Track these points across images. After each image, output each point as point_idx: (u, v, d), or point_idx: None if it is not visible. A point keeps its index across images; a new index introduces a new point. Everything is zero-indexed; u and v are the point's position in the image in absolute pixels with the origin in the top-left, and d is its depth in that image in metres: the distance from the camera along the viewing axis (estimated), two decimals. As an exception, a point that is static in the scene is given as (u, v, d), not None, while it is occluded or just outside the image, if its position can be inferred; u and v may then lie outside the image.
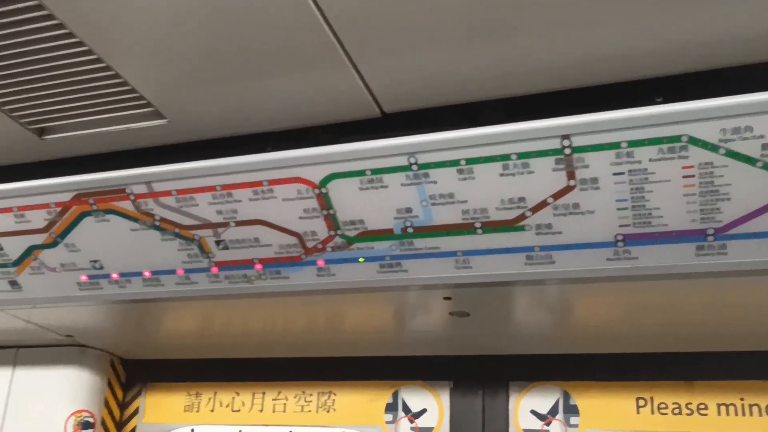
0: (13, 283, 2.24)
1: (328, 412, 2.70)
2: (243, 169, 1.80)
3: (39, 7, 1.45)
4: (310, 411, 2.72)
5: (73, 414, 2.74)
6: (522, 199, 1.66)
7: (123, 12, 1.43)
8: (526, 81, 1.60)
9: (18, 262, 2.18)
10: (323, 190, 1.77)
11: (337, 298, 2.11)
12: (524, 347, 2.50)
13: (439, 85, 1.63)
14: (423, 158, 1.66)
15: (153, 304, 2.29)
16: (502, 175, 1.63)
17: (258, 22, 1.44)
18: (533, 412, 2.48)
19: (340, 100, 1.70)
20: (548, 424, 2.46)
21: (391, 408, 2.65)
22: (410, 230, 1.78)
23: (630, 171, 1.56)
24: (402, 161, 1.67)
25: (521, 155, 1.59)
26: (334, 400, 2.71)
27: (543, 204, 1.65)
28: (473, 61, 1.54)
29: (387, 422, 2.63)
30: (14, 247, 2.14)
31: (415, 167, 1.67)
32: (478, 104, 1.70)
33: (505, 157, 1.60)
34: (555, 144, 1.56)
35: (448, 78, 1.60)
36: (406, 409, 2.62)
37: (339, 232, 1.84)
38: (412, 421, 2.60)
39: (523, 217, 1.68)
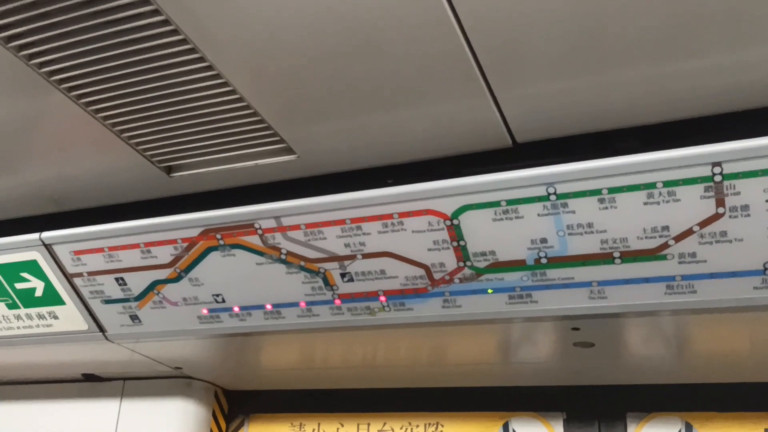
0: (134, 318, 2.30)
1: (437, 442, 2.68)
2: (374, 202, 1.81)
3: (173, 33, 1.44)
4: (417, 442, 2.71)
5: (181, 445, 2.79)
6: (666, 228, 1.63)
7: (261, 42, 1.45)
8: (663, 108, 1.58)
9: (140, 297, 2.23)
10: (455, 222, 1.77)
11: (456, 330, 2.10)
12: (643, 377, 2.44)
13: (572, 114, 1.63)
14: (562, 188, 1.64)
15: (265, 337, 2.31)
16: (645, 203, 1.61)
17: (399, 51, 1.45)
18: (653, 444, 2.42)
19: (472, 130, 1.70)
20: (669, 457, 2.40)
21: (501, 439, 2.62)
22: (544, 261, 1.76)
23: (784, 197, 1.52)
24: (540, 191, 1.66)
25: (668, 183, 1.57)
26: (442, 430, 2.69)
27: (688, 232, 1.62)
28: (609, 89, 1.53)
29: (498, 454, 2.60)
30: (138, 283, 2.19)
31: (553, 197, 1.66)
32: (611, 132, 1.69)
33: (650, 186, 1.58)
34: (705, 171, 1.53)
35: (583, 106, 1.59)
36: (518, 441, 2.58)
37: (468, 263, 1.83)
38: (513, 452, 2.56)
39: (665, 245, 1.65)
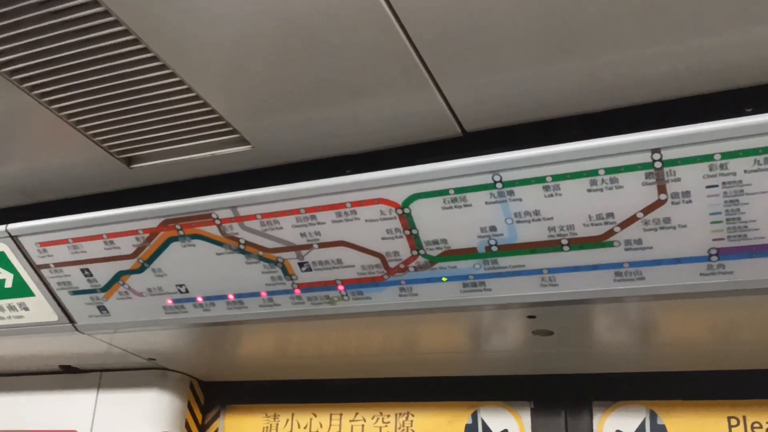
0: (102, 308, 2.33)
1: (407, 433, 2.71)
2: (327, 191, 1.84)
3: (126, 33, 1.50)
4: (388, 432, 2.74)
5: (156, 436, 2.82)
6: (610, 215, 1.65)
7: (210, 39, 1.49)
8: (607, 96, 1.60)
9: (106, 288, 2.27)
10: (406, 211, 1.80)
11: (418, 318, 2.12)
12: (608, 366, 2.46)
13: (519, 103, 1.64)
14: (508, 176, 1.67)
15: (232, 327, 2.34)
16: (589, 190, 1.62)
17: (342, 47, 1.48)
18: (618, 432, 2.44)
19: (421, 120, 1.73)
20: (635, 445, 2.42)
21: (470, 429, 2.63)
22: (494, 248, 1.79)
23: (724, 183, 1.53)
24: (486, 179, 1.68)
25: (609, 170, 1.59)
26: (412, 421, 2.72)
27: (632, 219, 1.64)
28: (555, 78, 1.54)
29: (467, 443, 2.63)
30: (103, 273, 2.23)
31: (499, 185, 1.68)
32: (558, 120, 1.70)
33: (593, 173, 1.60)
34: (645, 158, 1.55)
35: (529, 95, 1.61)
36: (486, 430, 2.60)
37: (422, 251, 1.86)
38: (493, 442, 2.58)
39: (611, 233, 1.67)
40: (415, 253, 1.87)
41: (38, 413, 3.02)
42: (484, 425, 2.62)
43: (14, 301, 2.41)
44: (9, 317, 2.47)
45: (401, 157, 1.83)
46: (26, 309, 2.42)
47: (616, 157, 1.56)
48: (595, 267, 1.74)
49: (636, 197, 1.60)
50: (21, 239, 2.22)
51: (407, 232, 1.83)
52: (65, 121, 1.82)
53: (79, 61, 1.60)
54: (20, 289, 2.36)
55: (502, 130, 1.74)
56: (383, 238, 1.87)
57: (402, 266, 1.90)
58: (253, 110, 1.74)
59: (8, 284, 2.36)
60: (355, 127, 1.77)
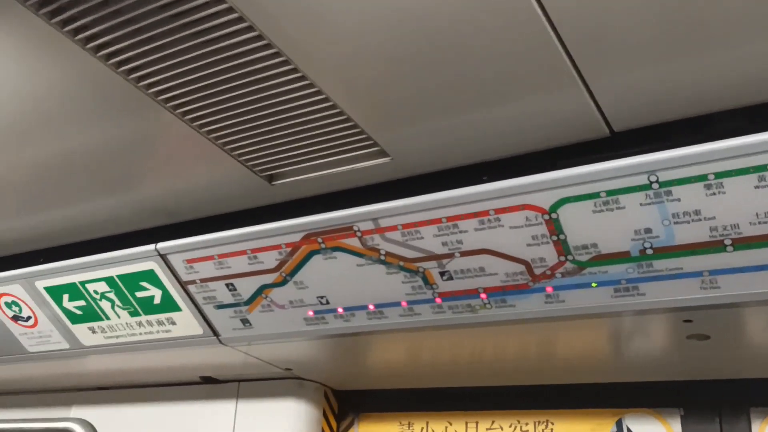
0: (245, 321, 2.42)
1: (547, 441, 2.66)
2: (469, 200, 1.83)
3: (267, 46, 1.51)
4: (527, 440, 2.69)
5: (295, 444, 2.90)
6: (781, 212, 1.55)
7: (349, 48, 1.49)
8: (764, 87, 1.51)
9: (250, 301, 2.35)
10: (553, 216, 1.76)
11: (562, 325, 2.07)
12: (767, 370, 2.32)
13: (670, 99, 1.58)
14: (665, 175, 1.60)
15: (369, 336, 2.37)
16: (757, 187, 1.54)
17: (487, 49, 1.45)
18: (781, 441, 2.30)
19: (567, 122, 1.68)
20: (800, 455, 2.27)
21: (615, 437, 2.56)
22: (649, 251, 1.72)
23: None
24: (641, 180, 1.62)
25: (780, 164, 1.49)
26: (552, 429, 2.66)
27: (806, 215, 1.54)
28: (707, 71, 1.47)
29: (612, 452, 2.54)
30: (247, 287, 2.31)
31: (656, 185, 1.62)
32: (712, 116, 1.62)
33: (761, 168, 1.51)
34: (821, 150, 1.45)
35: (680, 90, 1.54)
36: (633, 438, 2.52)
37: (570, 257, 1.81)
38: (641, 451, 2.49)
39: (782, 230, 1.57)
40: (562, 258, 1.82)
41: (181, 422, 3.16)
42: (630, 433, 2.54)
43: (162, 317, 2.54)
44: (158, 332, 2.60)
45: (544, 161, 1.80)
46: (173, 323, 2.54)
47: (790, 150, 1.47)
48: (761, 268, 1.64)
49: (810, 192, 1.50)
50: (169, 257, 2.34)
51: (554, 238, 1.79)
52: (207, 138, 1.88)
53: (220, 78, 1.63)
54: (168, 305, 2.48)
55: (651, 129, 1.68)
56: (528, 245, 1.84)
57: (548, 272, 1.87)
58: (393, 121, 1.75)
59: (157, 300, 2.49)
60: (497, 133, 1.75)
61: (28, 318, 2.83)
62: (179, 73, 1.65)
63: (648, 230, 1.69)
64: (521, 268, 1.89)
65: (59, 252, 2.66)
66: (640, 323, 2.04)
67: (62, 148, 2.05)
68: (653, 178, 1.61)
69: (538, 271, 1.87)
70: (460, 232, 1.89)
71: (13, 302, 2.79)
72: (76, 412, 3.46)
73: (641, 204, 1.66)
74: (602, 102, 1.61)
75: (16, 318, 2.86)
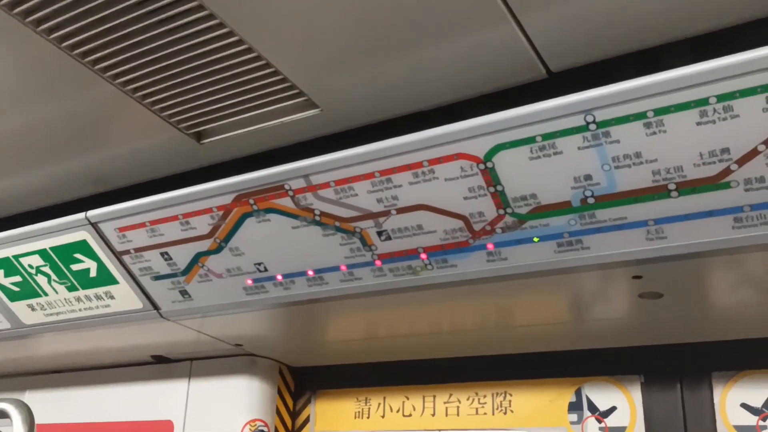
0: (184, 293, 2.30)
1: (505, 413, 2.55)
2: (401, 150, 1.71)
3: (198, 7, 1.45)
4: (485, 413, 2.58)
5: (248, 423, 2.78)
6: (725, 150, 1.44)
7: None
8: (711, 16, 1.40)
9: (186, 271, 2.22)
10: (489, 165, 1.64)
11: (509, 286, 1.96)
12: (729, 332, 2.21)
13: (607, 34, 1.46)
14: (602, 114, 1.48)
15: (316, 306, 2.25)
16: (699, 124, 1.42)
17: (408, -15, 1.36)
18: (744, 405, 2.19)
19: (501, 63, 1.57)
20: (765, 419, 2.16)
21: (574, 407, 2.44)
22: (591, 200, 1.61)
23: None
24: (577, 121, 1.51)
25: (722, 97, 1.38)
26: (510, 400, 2.55)
27: (753, 153, 1.42)
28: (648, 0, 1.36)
29: (572, 422, 2.44)
30: (182, 256, 2.19)
31: (593, 126, 1.50)
32: (654, 50, 1.51)
33: (702, 102, 1.40)
34: (766, 78, 1.33)
35: (620, 23, 1.43)
36: (593, 408, 2.41)
37: (509, 210, 1.70)
38: (600, 421, 2.38)
39: (728, 171, 1.46)
40: (501, 212, 1.71)
41: (133, 404, 3.05)
42: (590, 402, 2.43)
43: (100, 290, 2.42)
44: (97, 307, 2.47)
45: (480, 107, 1.68)
46: (112, 297, 2.42)
47: (732, 80, 1.35)
48: (709, 213, 1.53)
49: (756, 127, 1.39)
50: (101, 225, 2.21)
51: (491, 189, 1.68)
52: (133, 98, 1.78)
53: (145, 36, 1.56)
54: (105, 278, 2.36)
55: (591, 67, 1.57)
56: (465, 198, 1.72)
57: (488, 228, 1.75)
58: (319, 69, 1.63)
59: (93, 273, 2.37)
60: (429, 79, 1.64)
61: (-34, 297, 2.70)
62: (100, 32, 1.56)
63: (588, 177, 1.58)
64: (460, 224, 1.77)
65: (-5, 226, 2.54)
66: (589, 281, 1.92)
67: (-4, 122, 1.94)
68: (590, 118, 1.50)
69: (477, 227, 1.76)
70: (395, 186, 1.77)
71: (-52, 280, 2.66)
72: (30, 396, 3.35)
73: (579, 147, 1.54)
74: (536, 40, 1.50)
75: (-47, 297, 2.73)
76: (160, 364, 3.05)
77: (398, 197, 1.79)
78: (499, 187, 1.67)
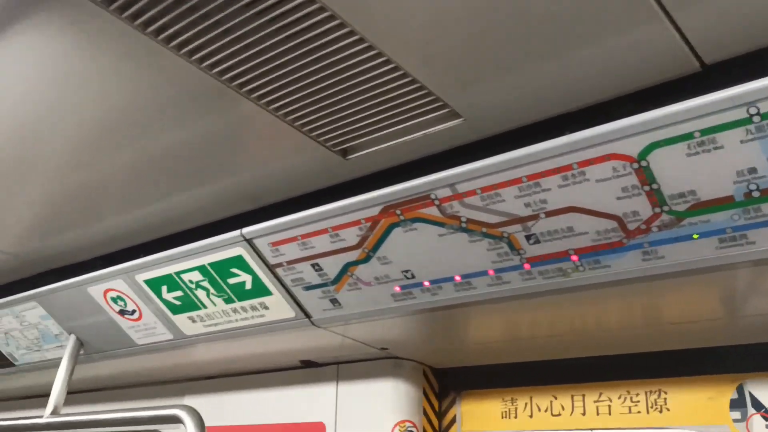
0: (334, 301, 2.40)
1: (660, 412, 2.48)
2: (549, 154, 1.71)
3: (331, 18, 1.49)
4: (639, 412, 2.53)
5: (397, 424, 2.86)
6: None
7: (412, 12, 1.44)
8: None
9: (336, 280, 2.32)
10: (643, 164, 1.62)
11: (662, 284, 1.91)
12: None
13: (765, 22, 1.41)
14: (766, 106, 1.43)
15: (461, 310, 2.29)
16: None
17: (553, -8, 1.36)
18: None
19: (652, 59, 1.54)
20: None
21: (737, 404, 2.35)
22: (756, 194, 1.55)
23: None
24: (740, 114, 1.46)
25: None
26: (665, 399, 2.49)
27: None
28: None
29: (734, 420, 2.34)
30: (332, 267, 2.29)
31: (757, 118, 1.45)
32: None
33: None
34: None
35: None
36: (757, 405, 2.31)
37: (665, 208, 1.67)
38: (767, 418, 2.28)
39: None
40: (657, 210, 1.68)
41: (285, 407, 3.21)
42: (754, 399, 2.33)
43: (255, 302, 2.57)
44: (252, 317, 2.63)
45: (629, 106, 1.66)
46: (266, 308, 2.56)
47: None
48: None
49: None
50: (255, 241, 2.35)
51: (646, 188, 1.65)
52: (281, 119, 1.87)
53: (289, 57, 1.63)
54: (259, 290, 2.51)
55: (747, 57, 1.51)
56: (618, 198, 1.70)
57: (643, 227, 1.72)
58: (462, 80, 1.66)
59: (248, 285, 2.52)
60: (576, 80, 1.63)
61: (133, 311, 2.94)
62: (249, 56, 1.65)
63: (752, 170, 1.52)
64: (613, 224, 1.75)
65: (156, 245, 2.74)
66: (753, 276, 1.85)
67: (151, 148, 2.12)
68: (753, 110, 1.45)
69: (631, 227, 1.74)
70: (543, 190, 1.78)
71: (119, 297, 2.91)
72: (189, 400, 3.59)
73: (742, 141, 1.49)
74: (690, 34, 1.46)
75: (122, 312, 2.98)
76: (309, 369, 3.19)
77: (547, 201, 1.79)
78: (654, 186, 1.64)
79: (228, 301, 2.63)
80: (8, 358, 3.77)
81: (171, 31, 1.57)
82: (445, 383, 3.07)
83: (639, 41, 1.48)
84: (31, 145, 2.15)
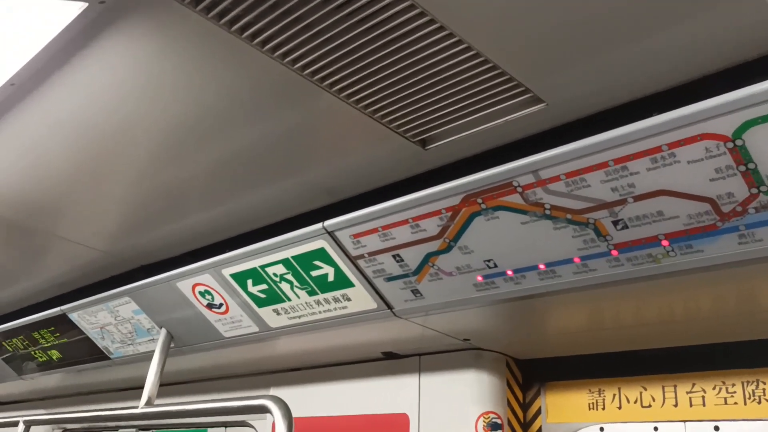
0: (415, 292, 2.41)
1: (759, 403, 2.38)
2: (636, 137, 1.67)
3: (419, 14, 1.51)
4: (735, 403, 2.43)
5: (481, 416, 2.85)
6: None
7: None
8: None
9: (418, 271, 2.33)
10: (738, 143, 1.55)
11: (761, 269, 1.84)
12: None
13: None
14: None
15: (546, 299, 2.25)
16: None
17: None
18: None
19: (743, 36, 1.48)
20: None
21: (844, 396, 2.24)
22: None
23: None
24: None
25: None
26: (764, 389, 2.38)
27: None
28: None
29: (840, 412, 2.23)
30: (413, 257, 2.29)
31: None
32: None
33: None
34: None
35: None
36: None
37: (763, 188, 1.60)
38: None
39: None
40: (754, 191, 1.61)
41: (368, 398, 3.24)
42: None
43: (338, 293, 2.60)
44: (335, 309, 2.67)
45: (720, 83, 1.59)
46: (349, 300, 2.60)
47: None
48: None
49: None
50: (337, 234, 2.38)
51: (742, 168, 1.59)
52: (361, 111, 1.89)
53: (369, 48, 1.65)
54: (342, 282, 2.54)
55: None
56: (712, 180, 1.64)
57: (739, 209, 1.66)
58: (545, 64, 1.64)
59: (331, 278, 2.56)
60: (664, 60, 1.58)
61: (220, 305, 3.03)
62: (329, 50, 1.67)
63: None
64: (706, 207, 1.69)
65: (240, 240, 2.82)
66: None
67: (233, 144, 2.18)
68: None
69: (726, 209, 1.67)
70: (631, 174, 1.73)
71: (206, 291, 3.00)
72: (274, 392, 3.68)
73: None
74: (786, 3, 1.39)
75: (210, 306, 3.08)
76: (391, 360, 3.21)
77: (635, 185, 1.75)
78: (750, 165, 1.57)
79: (311, 293, 2.67)
80: (104, 351, 3.96)
81: (255, 28, 1.61)
82: (529, 374, 3.03)
83: (731, 16, 1.43)
84: (121, 146, 2.24)
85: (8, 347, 4.71)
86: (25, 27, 1.71)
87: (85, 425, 4.97)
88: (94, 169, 2.42)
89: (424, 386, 3.07)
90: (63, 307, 3.82)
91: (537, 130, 1.90)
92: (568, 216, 1.90)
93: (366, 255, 2.39)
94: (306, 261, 2.57)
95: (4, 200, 2.78)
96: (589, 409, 2.80)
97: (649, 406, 2.64)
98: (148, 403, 3.11)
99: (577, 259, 1.98)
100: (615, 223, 1.84)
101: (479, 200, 2.01)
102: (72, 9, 1.59)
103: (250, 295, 2.88)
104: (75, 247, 3.22)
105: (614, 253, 1.91)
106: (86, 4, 1.57)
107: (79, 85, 1.90)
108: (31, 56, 1.77)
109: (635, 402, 2.69)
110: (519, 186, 1.91)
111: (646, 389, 2.67)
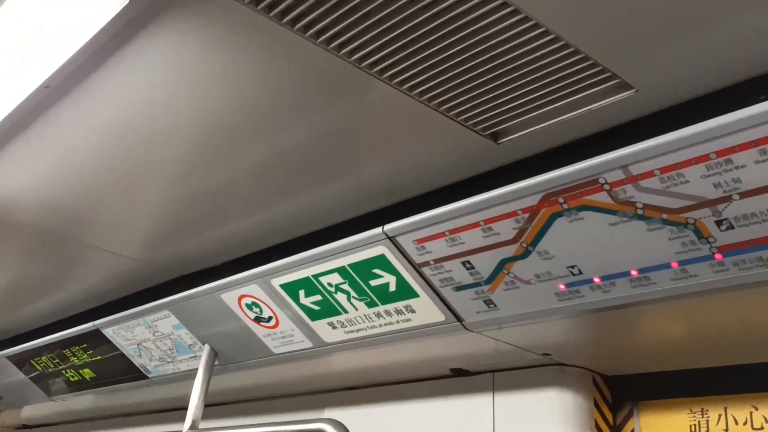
0: (489, 302, 2.45)
1: None
2: (743, 125, 1.67)
3: None
4: None
5: (565, 439, 2.88)
6: None
7: None
8: None
9: (491, 279, 2.37)
10: None
11: None
12: None
13: None
14: None
15: (638, 309, 2.27)
16: None
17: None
18: None
19: None
20: None
21: None
22: None
23: None
24: None
25: None
26: None
27: None
28: None
29: None
30: (485, 264, 2.33)
31: None
32: None
33: None
34: None
35: None
36: None
37: None
38: None
39: None
40: None
41: (436, 419, 3.29)
42: None
43: (400, 305, 2.66)
44: (398, 321, 2.73)
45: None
46: (413, 311, 2.65)
47: None
48: None
49: None
50: (398, 239, 2.44)
51: None
52: (422, 102, 1.92)
53: (434, 36, 1.68)
54: (404, 292, 2.60)
55: None
56: (833, 172, 1.64)
57: None
58: (633, 46, 1.65)
59: (392, 287, 2.61)
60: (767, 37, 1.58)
61: (269, 318, 3.12)
62: (389, 40, 1.71)
63: None
64: (827, 203, 1.69)
65: (291, 247, 2.90)
66: None
67: (281, 142, 2.25)
68: None
69: None
70: (736, 168, 1.74)
71: (253, 303, 3.10)
72: (330, 413, 3.77)
73: None
74: None
75: (258, 319, 3.18)
76: (460, 378, 3.26)
77: (741, 179, 1.75)
78: None
79: (370, 304, 2.74)
80: (141, 370, 4.11)
81: (307, 19, 1.67)
82: (620, 393, 3.04)
83: None
84: (160, 149, 2.34)
85: (37, 366, 4.92)
86: (61, 26, 1.81)
87: (123, 451, 5.17)
88: (130, 173, 2.53)
89: (499, 406, 3.11)
90: (96, 322, 3.98)
91: (625, 119, 1.91)
92: (664, 216, 1.91)
93: (432, 262, 2.44)
94: (364, 269, 2.63)
95: (34, 207, 2.93)
96: (691, 431, 2.80)
97: (761, 428, 2.63)
98: (193, 427, 3.23)
99: (674, 264, 1.99)
100: (718, 223, 1.85)
101: (560, 199, 2.03)
102: (112, 6, 1.67)
103: (303, 307, 2.96)
104: (109, 256, 3.36)
105: (718, 256, 1.91)
106: (127, 1, 1.66)
107: (117, 86, 2.00)
108: (68, 57, 1.87)
109: (744, 423, 2.67)
110: (606, 183, 1.93)
111: (757, 408, 2.66)
